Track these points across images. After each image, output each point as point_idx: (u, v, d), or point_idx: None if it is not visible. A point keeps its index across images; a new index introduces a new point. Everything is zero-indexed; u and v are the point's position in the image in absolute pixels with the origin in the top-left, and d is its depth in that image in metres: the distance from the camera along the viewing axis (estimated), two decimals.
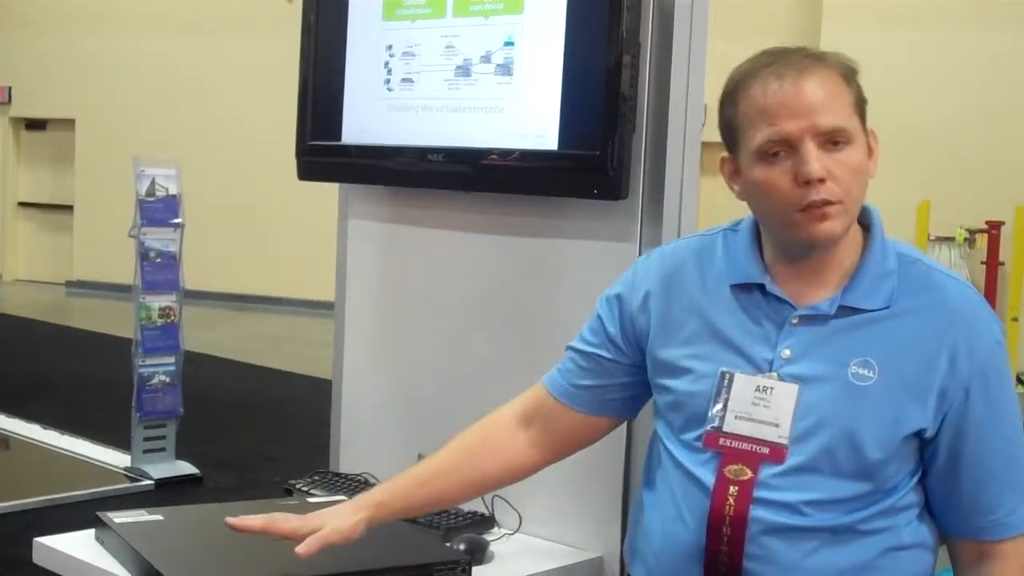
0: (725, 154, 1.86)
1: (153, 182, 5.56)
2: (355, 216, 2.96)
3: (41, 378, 8.03)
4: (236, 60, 12.34)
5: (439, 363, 2.81)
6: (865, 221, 1.87)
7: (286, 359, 9.14)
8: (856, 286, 1.81)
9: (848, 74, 1.82)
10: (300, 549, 1.90)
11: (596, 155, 2.39)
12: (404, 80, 2.73)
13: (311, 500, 2.52)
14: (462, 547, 2.33)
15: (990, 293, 9.89)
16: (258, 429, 6.88)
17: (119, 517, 2.27)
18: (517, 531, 2.54)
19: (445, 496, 2.07)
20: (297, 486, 2.78)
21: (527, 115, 2.52)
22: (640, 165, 2.43)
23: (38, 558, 2.34)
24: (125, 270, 5.58)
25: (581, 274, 2.52)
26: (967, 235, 9.97)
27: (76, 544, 2.29)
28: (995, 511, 1.79)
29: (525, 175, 2.54)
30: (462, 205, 2.72)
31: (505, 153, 2.55)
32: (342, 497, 2.56)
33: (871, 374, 1.77)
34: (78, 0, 13.39)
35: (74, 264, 13.81)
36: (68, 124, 13.79)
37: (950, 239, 9.99)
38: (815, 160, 1.73)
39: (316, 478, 2.82)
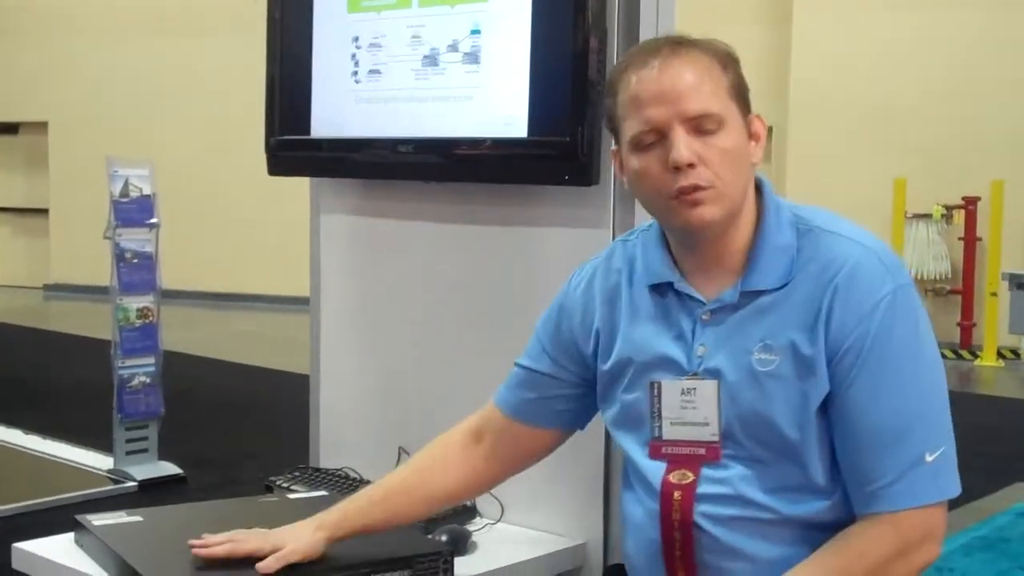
0: (614, 147, 1.86)
1: (127, 182, 5.51)
2: (327, 210, 2.95)
3: (21, 383, 7.98)
4: (207, 59, 12.28)
5: (416, 355, 2.80)
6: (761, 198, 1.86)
7: (266, 356, 9.11)
8: (755, 269, 1.80)
9: (724, 60, 1.80)
10: (260, 566, 1.93)
11: (566, 141, 2.39)
12: (371, 72, 2.72)
13: (291, 496, 2.51)
14: (444, 538, 2.33)
15: (968, 269, 9.91)
16: (240, 427, 6.85)
17: (98, 519, 2.26)
18: (499, 520, 2.54)
19: (401, 513, 2.07)
20: (277, 482, 2.78)
21: (496, 103, 2.51)
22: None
23: (17, 563, 2.33)
24: (102, 272, 5.54)
25: (555, 261, 2.51)
26: (944, 211, 9.99)
27: (55, 548, 2.28)
28: (873, 481, 1.73)
29: (495, 163, 2.53)
30: (434, 196, 2.71)
31: (475, 142, 2.54)
32: (323, 492, 2.56)
33: (772, 357, 1.76)
34: (48, 4, 13.29)
35: (51, 267, 13.73)
36: (41, 127, 13.69)
37: (927, 216, 10.00)
38: (684, 146, 1.73)
39: (296, 474, 2.82)
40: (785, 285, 1.78)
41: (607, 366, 1.92)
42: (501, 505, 2.50)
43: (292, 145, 2.89)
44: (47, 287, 13.69)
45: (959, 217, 9.97)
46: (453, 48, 2.56)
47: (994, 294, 9.16)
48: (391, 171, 2.73)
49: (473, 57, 2.53)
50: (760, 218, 1.83)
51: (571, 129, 2.38)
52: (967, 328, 9.92)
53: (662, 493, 1.81)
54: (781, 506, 1.76)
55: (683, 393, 1.81)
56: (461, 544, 2.35)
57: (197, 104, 12.41)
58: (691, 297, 1.84)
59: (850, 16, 10.32)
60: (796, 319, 1.75)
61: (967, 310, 9.94)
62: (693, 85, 1.74)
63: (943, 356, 8.64)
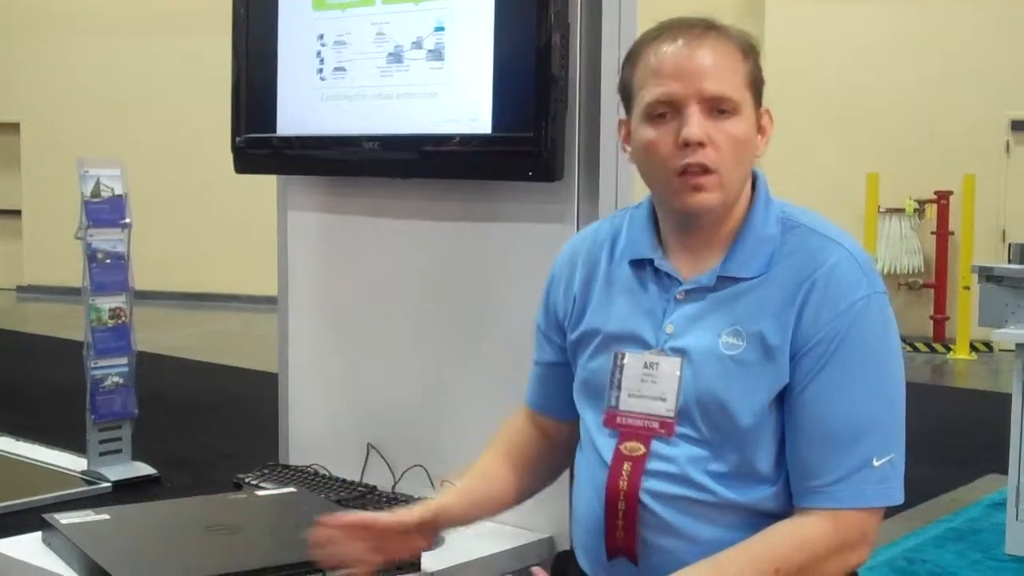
0: (622, 116, 1.89)
1: (98, 182, 5.50)
2: (294, 208, 2.95)
3: None
4: (178, 58, 12.25)
5: (384, 351, 2.81)
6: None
7: (239, 356, 9.10)
8: (735, 255, 1.82)
9: (746, 50, 1.82)
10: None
11: (529, 137, 2.40)
12: (336, 69, 2.72)
13: (259, 494, 2.51)
14: None
15: (941, 263, 9.98)
16: (214, 427, 6.85)
17: (65, 518, 2.26)
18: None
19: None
20: (246, 480, 2.78)
21: (460, 100, 2.52)
22: (574, 145, 2.44)
23: None
24: (76, 273, 5.52)
25: (521, 256, 2.53)
26: (916, 206, 10.05)
27: (22, 547, 2.27)
28: (819, 477, 1.74)
29: (461, 160, 2.54)
30: (400, 192, 2.72)
31: (441, 139, 2.55)
32: (291, 489, 2.57)
33: (740, 342, 1.78)
34: (18, 4, 13.24)
35: (24, 269, 13.68)
36: (13, 128, 13.64)
37: (900, 210, 10.07)
38: (696, 124, 1.75)
39: (265, 471, 2.82)
40: (763, 275, 1.80)
41: (575, 334, 1.94)
42: None
43: (258, 143, 2.89)
44: (21, 288, 13.64)
45: (931, 211, 10.04)
46: (417, 45, 2.57)
47: (967, 288, 9.22)
48: (357, 168, 2.73)
49: (437, 54, 2.54)
50: (751, 205, 1.85)
51: (535, 125, 2.39)
52: (940, 322, 9.99)
53: (612, 463, 1.83)
54: (725, 490, 1.77)
55: (645, 367, 1.83)
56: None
57: (170, 103, 12.38)
58: (669, 276, 1.85)
59: (822, 11, 10.37)
60: (769, 309, 1.77)
61: (940, 304, 10.01)
62: (715, 67, 1.77)
63: (916, 349, 8.72)
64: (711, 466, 1.78)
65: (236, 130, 2.92)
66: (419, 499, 2.56)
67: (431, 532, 2.00)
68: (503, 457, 2.06)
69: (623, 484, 1.81)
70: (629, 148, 1.87)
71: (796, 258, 1.79)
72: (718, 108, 1.76)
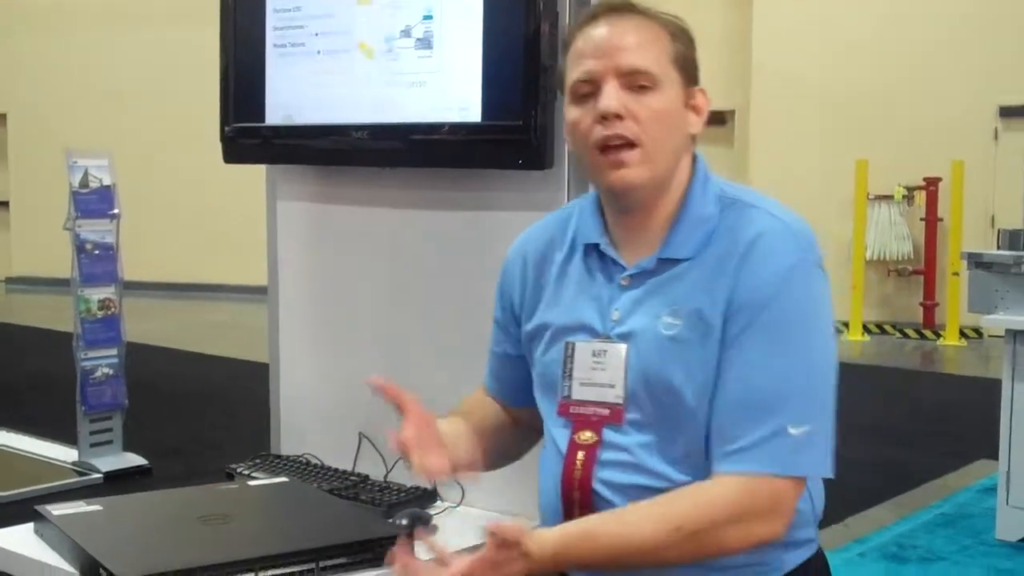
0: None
1: (86, 173, 5.48)
2: (283, 197, 2.95)
3: None
4: (166, 48, 12.21)
5: (375, 340, 2.81)
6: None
7: (231, 346, 9.10)
8: (674, 236, 1.84)
9: (675, 32, 1.84)
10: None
11: (519, 125, 2.40)
12: (325, 58, 2.71)
13: (251, 483, 2.51)
14: (404, 522, 2.33)
15: (930, 249, 10.00)
16: (205, 417, 6.85)
17: (57, 509, 2.25)
18: (460, 504, 2.55)
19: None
20: (238, 470, 2.78)
21: (449, 88, 2.51)
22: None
23: None
24: (65, 264, 5.51)
25: (510, 245, 2.52)
26: (906, 192, 10.07)
27: (14, 538, 2.27)
28: (732, 441, 1.73)
29: (451, 148, 2.54)
30: (390, 181, 2.72)
31: (431, 127, 2.55)
32: (283, 479, 2.56)
33: (677, 321, 1.79)
34: None
35: (12, 260, 13.65)
36: (0, 119, 13.60)
37: (889, 197, 10.08)
38: (613, 96, 1.78)
39: (257, 461, 2.82)
40: (700, 254, 1.81)
41: (528, 327, 1.96)
42: (462, 488, 2.51)
43: (247, 132, 2.89)
44: (10, 280, 13.61)
45: (920, 198, 10.05)
46: (406, 34, 2.56)
47: (956, 274, 9.25)
48: (347, 157, 2.73)
49: (426, 43, 2.53)
50: (687, 189, 1.86)
51: (524, 113, 2.39)
52: (930, 308, 10.01)
53: (567, 453, 1.84)
54: (677, 476, 1.78)
55: (594, 355, 1.84)
56: (422, 527, 2.35)
57: (159, 94, 12.35)
58: (614, 262, 1.87)
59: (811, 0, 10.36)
60: (704, 285, 1.78)
61: (929, 290, 10.03)
62: (633, 44, 1.80)
63: (906, 336, 8.74)
64: (662, 451, 1.79)
65: (224, 120, 2.91)
66: (412, 488, 2.57)
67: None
68: (465, 423, 2.05)
69: (577, 474, 1.82)
70: (566, 132, 1.90)
71: (731, 233, 1.80)
72: (637, 83, 1.79)
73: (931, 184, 9.93)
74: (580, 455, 1.83)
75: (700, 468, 1.77)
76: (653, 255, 1.84)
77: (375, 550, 2.07)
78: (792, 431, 1.72)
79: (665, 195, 1.84)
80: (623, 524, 1.72)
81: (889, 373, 8.57)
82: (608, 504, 1.80)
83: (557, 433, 1.88)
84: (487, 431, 2.07)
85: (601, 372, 1.83)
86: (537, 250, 1.99)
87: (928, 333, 9.90)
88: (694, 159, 1.89)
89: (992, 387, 4.75)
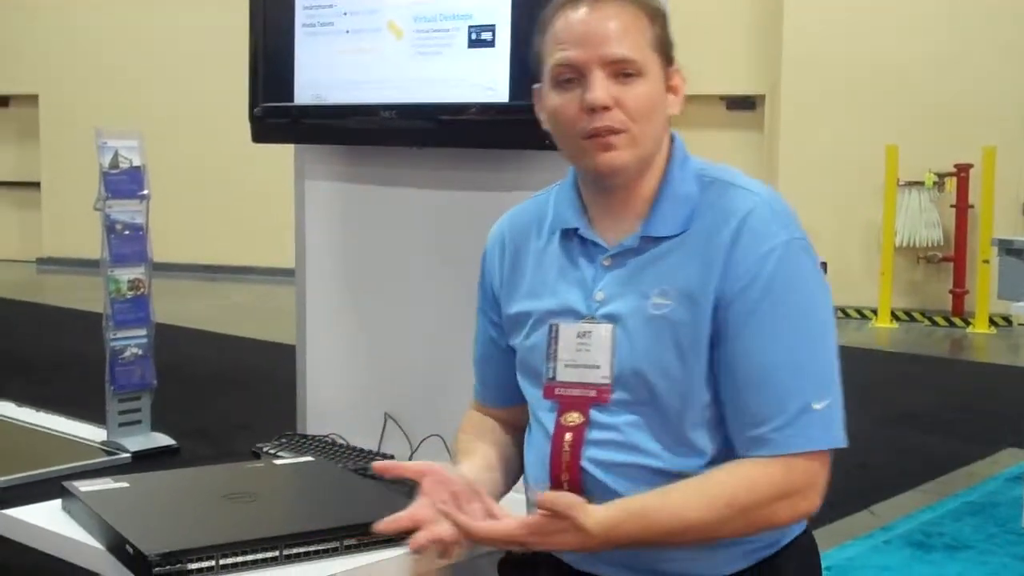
0: (536, 85, 1.91)
1: (116, 154, 5.47)
2: (311, 177, 2.96)
3: (14, 357, 7.98)
4: (198, 27, 12.23)
5: (401, 321, 2.81)
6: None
7: (258, 328, 9.12)
8: (655, 215, 1.84)
9: (652, 13, 1.85)
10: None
11: None
12: (354, 38, 2.71)
13: (277, 463, 2.52)
14: None
15: (960, 236, 9.92)
16: (232, 398, 6.87)
17: (84, 486, 2.27)
18: None
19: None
20: (264, 449, 2.79)
21: (477, 69, 2.52)
22: None
23: (4, 530, 2.33)
24: (95, 245, 5.53)
25: None
26: (936, 179, 9.98)
27: (42, 514, 2.28)
28: (762, 424, 1.75)
29: (478, 129, 2.54)
30: (418, 161, 2.72)
31: (459, 108, 2.55)
32: (309, 458, 2.57)
33: (668, 301, 1.79)
34: None
35: (43, 241, 13.70)
36: (32, 100, 13.64)
37: (919, 183, 10.00)
38: (600, 88, 1.78)
39: (283, 440, 2.83)
40: (684, 232, 1.82)
41: (511, 311, 1.97)
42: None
43: (276, 112, 2.89)
44: (40, 261, 13.68)
45: (951, 184, 9.97)
46: (436, 14, 2.56)
47: (986, 261, 9.16)
48: (375, 137, 2.74)
49: (455, 23, 2.53)
50: (665, 168, 1.88)
51: None
52: (959, 295, 9.94)
53: (553, 434, 1.85)
54: (666, 455, 1.79)
55: (579, 336, 1.85)
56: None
57: (189, 73, 12.36)
58: (594, 243, 1.88)
59: None
60: (691, 264, 1.80)
61: (959, 277, 9.96)
62: (617, 31, 1.79)
63: (935, 323, 8.68)
64: (650, 429, 1.80)
65: (253, 100, 2.92)
66: None
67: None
68: (492, 450, 2.02)
69: (565, 455, 1.83)
70: (543, 116, 1.90)
71: (714, 212, 1.81)
72: (623, 71, 1.79)
73: (962, 171, 9.84)
74: (568, 436, 1.84)
75: (687, 444, 1.80)
76: (636, 234, 1.85)
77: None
78: (816, 406, 1.75)
79: (645, 175, 1.86)
80: (671, 502, 1.73)
81: (918, 360, 8.52)
82: (598, 484, 1.80)
83: (543, 416, 1.89)
84: (501, 458, 2.04)
85: (586, 353, 1.84)
86: (514, 236, 2.00)
87: (957, 321, 9.84)
88: (671, 139, 1.90)
89: (1020, 375, 4.71)
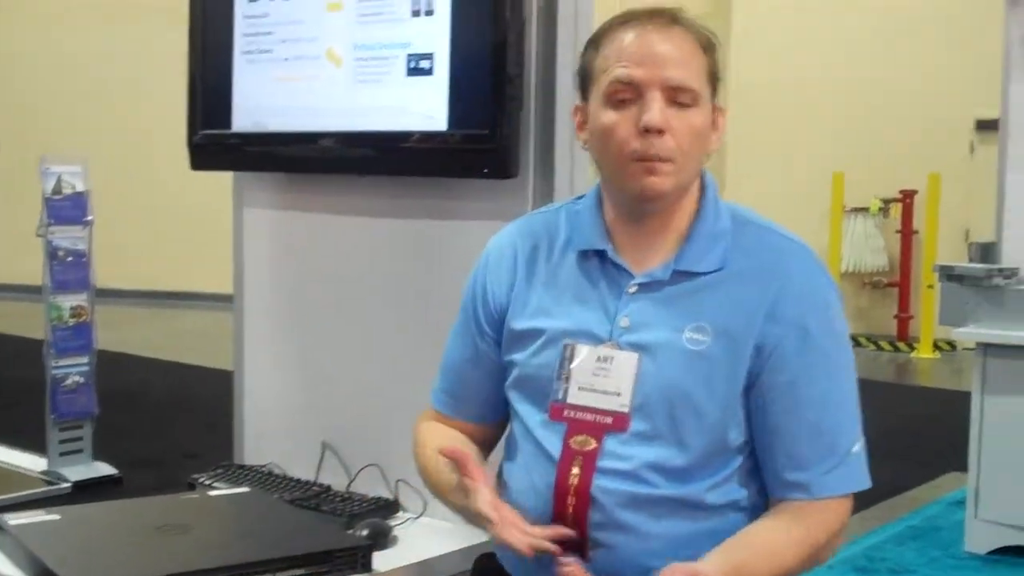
0: (578, 103, 1.89)
1: (59, 180, 5.44)
2: (250, 205, 2.94)
3: None
4: (142, 52, 12.14)
5: (339, 349, 2.79)
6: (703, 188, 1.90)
7: (206, 355, 9.04)
8: (689, 249, 1.84)
9: (707, 45, 1.84)
10: None
11: (485, 134, 2.40)
12: (293, 65, 2.70)
13: (212, 494, 2.50)
14: (365, 533, 2.32)
15: (905, 261, 10.02)
16: (178, 426, 6.81)
17: (14, 519, 2.24)
18: (422, 515, 2.54)
19: None
20: (200, 480, 2.76)
21: (416, 97, 2.51)
22: (530, 142, 2.44)
23: None
24: (37, 271, 5.48)
25: (477, 254, 2.50)
26: (881, 205, 10.08)
27: None
28: (803, 470, 1.80)
29: (417, 157, 2.53)
30: (356, 189, 2.71)
31: (398, 136, 2.54)
32: (244, 489, 2.55)
33: (705, 338, 1.79)
34: None
35: None
36: None
37: (864, 209, 10.10)
38: (658, 111, 1.76)
39: (220, 471, 2.81)
40: (720, 270, 1.82)
41: (517, 326, 1.90)
42: (423, 500, 2.50)
43: (215, 139, 2.88)
44: None
45: (896, 210, 10.07)
46: (374, 42, 2.56)
47: (931, 287, 9.24)
48: (314, 165, 2.72)
49: (393, 51, 2.53)
50: (701, 202, 1.87)
51: (490, 122, 2.39)
52: (904, 320, 10.03)
53: (561, 458, 1.80)
54: (676, 489, 1.77)
55: (599, 360, 1.82)
56: (381, 538, 2.34)
57: (134, 97, 12.27)
58: (618, 268, 1.85)
59: (788, 12, 10.39)
60: (732, 304, 1.79)
61: (904, 302, 10.05)
62: (680, 57, 1.79)
63: (880, 348, 8.71)
64: (665, 463, 1.78)
65: (192, 126, 2.90)
66: (374, 499, 2.55)
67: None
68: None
69: (573, 480, 1.79)
70: (584, 135, 1.87)
71: (759, 256, 1.82)
72: (678, 99, 1.78)
73: (907, 197, 9.95)
74: (577, 460, 1.80)
75: (698, 481, 1.78)
76: (666, 265, 1.83)
77: (334, 561, 2.06)
78: (854, 449, 1.83)
79: (678, 207, 1.85)
80: (772, 554, 1.76)
81: (863, 385, 8.50)
82: (605, 513, 1.77)
83: (544, 437, 1.84)
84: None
85: (605, 379, 1.81)
86: (526, 249, 1.95)
87: (902, 345, 9.92)
88: (702, 175, 1.90)
89: (964, 399, 4.74)
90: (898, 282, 10.08)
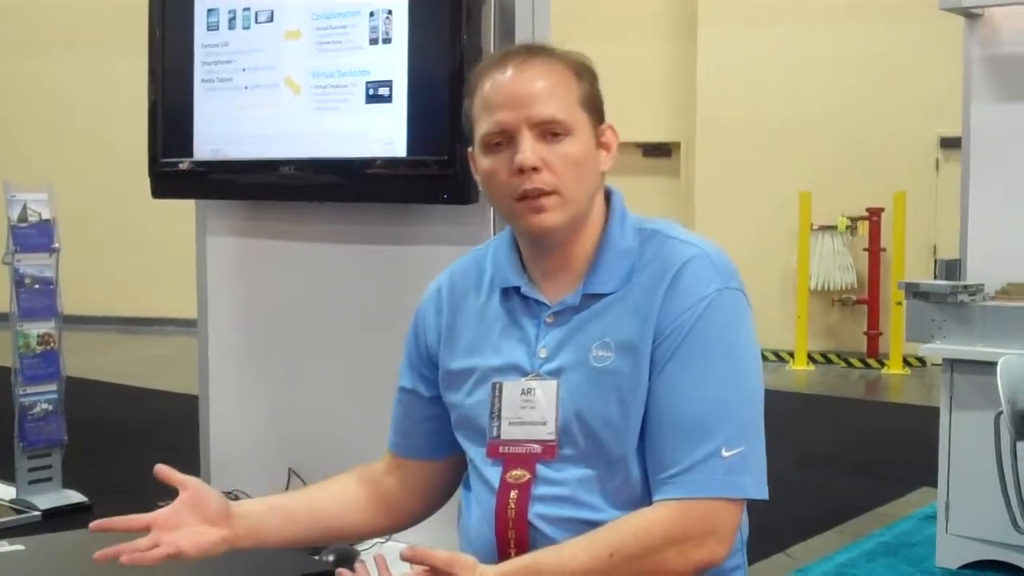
0: (470, 148, 1.89)
1: (25, 207, 5.43)
2: (212, 232, 2.95)
3: None
4: (109, 78, 12.10)
5: (303, 375, 2.80)
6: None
7: (176, 380, 9.00)
8: (596, 272, 1.85)
9: (579, 71, 1.84)
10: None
11: (444, 160, 2.42)
12: (253, 94, 2.72)
13: None
14: (331, 559, 2.32)
15: (873, 279, 10.08)
16: (148, 453, 6.74)
17: None
18: (389, 539, 2.53)
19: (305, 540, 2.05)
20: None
21: (375, 124, 2.53)
22: None
23: None
24: (3, 299, 5.46)
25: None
26: (849, 223, 10.14)
27: None
28: (668, 468, 1.75)
29: (377, 183, 2.55)
30: (317, 216, 2.72)
31: (357, 162, 2.56)
32: None
33: (609, 354, 1.80)
34: None
35: None
36: None
37: (832, 228, 10.16)
38: (529, 150, 1.77)
39: None
40: (625, 287, 1.82)
41: (451, 367, 1.93)
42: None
43: (176, 167, 2.88)
44: None
45: (863, 228, 10.13)
46: (332, 69, 2.57)
47: (899, 303, 9.30)
48: (275, 192, 2.74)
49: (352, 78, 2.55)
50: (605, 225, 1.88)
51: (448, 149, 2.41)
52: (874, 337, 10.09)
53: (499, 492, 1.83)
54: (613, 508, 1.78)
55: (523, 393, 1.84)
56: (348, 563, 2.33)
57: (101, 124, 12.22)
58: (536, 301, 1.87)
59: (753, 32, 10.46)
60: (631, 316, 1.80)
61: (873, 320, 10.10)
62: (543, 91, 1.79)
63: (850, 365, 8.74)
64: (598, 483, 1.79)
65: (153, 154, 2.91)
66: None
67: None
68: (356, 483, 2.03)
69: (511, 512, 1.81)
70: (478, 178, 1.88)
71: (653, 265, 1.82)
72: (551, 131, 1.78)
73: (874, 215, 10.01)
74: (513, 493, 1.82)
75: (636, 498, 1.78)
76: (577, 291, 1.84)
77: None
78: (725, 453, 1.74)
79: (582, 233, 1.85)
80: (561, 555, 1.72)
81: (834, 402, 8.61)
82: (546, 539, 1.79)
83: (488, 473, 1.87)
84: (378, 498, 2.04)
85: (531, 410, 1.83)
86: (453, 293, 1.97)
87: (872, 362, 9.97)
88: (608, 195, 1.90)
89: (934, 415, 4.77)
90: (867, 299, 10.14)
